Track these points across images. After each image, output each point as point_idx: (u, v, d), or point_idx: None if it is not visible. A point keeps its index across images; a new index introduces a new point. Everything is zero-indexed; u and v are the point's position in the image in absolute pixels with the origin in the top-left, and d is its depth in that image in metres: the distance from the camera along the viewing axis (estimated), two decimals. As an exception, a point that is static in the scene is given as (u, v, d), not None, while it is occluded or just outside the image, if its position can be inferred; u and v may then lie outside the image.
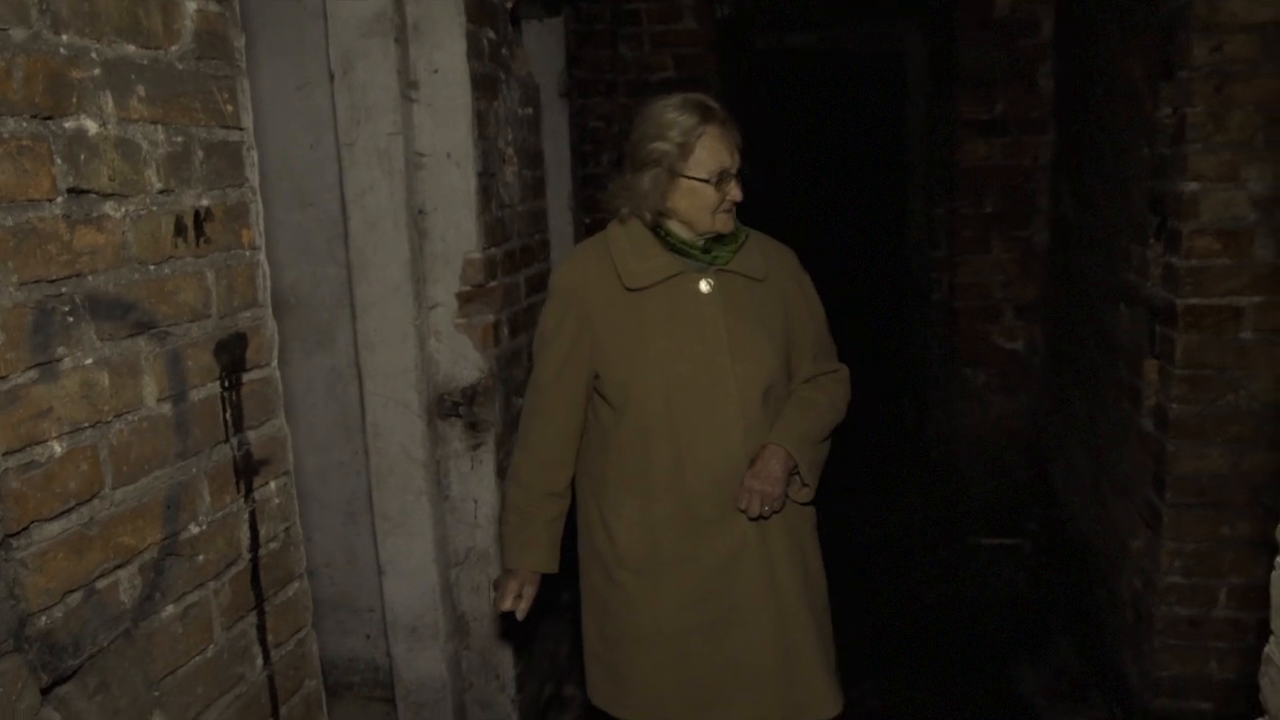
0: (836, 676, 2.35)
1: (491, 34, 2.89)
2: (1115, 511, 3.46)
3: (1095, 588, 3.71)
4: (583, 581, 2.39)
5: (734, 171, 2.15)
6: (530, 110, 3.20)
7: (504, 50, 2.99)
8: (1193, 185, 2.86)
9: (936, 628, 4.20)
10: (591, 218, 4.49)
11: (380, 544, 2.90)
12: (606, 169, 4.50)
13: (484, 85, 2.81)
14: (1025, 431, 4.82)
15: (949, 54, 4.72)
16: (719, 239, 2.22)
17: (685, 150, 2.12)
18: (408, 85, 2.69)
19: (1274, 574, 1.20)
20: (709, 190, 2.14)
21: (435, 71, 2.69)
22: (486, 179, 2.82)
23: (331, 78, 2.69)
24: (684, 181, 2.14)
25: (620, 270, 2.18)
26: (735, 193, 2.15)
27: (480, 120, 2.77)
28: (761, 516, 2.19)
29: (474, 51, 2.74)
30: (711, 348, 2.17)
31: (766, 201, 5.35)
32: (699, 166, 2.13)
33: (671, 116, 2.14)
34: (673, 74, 4.56)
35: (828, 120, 8.30)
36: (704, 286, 2.20)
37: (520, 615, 2.33)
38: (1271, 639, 1.22)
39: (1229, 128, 2.81)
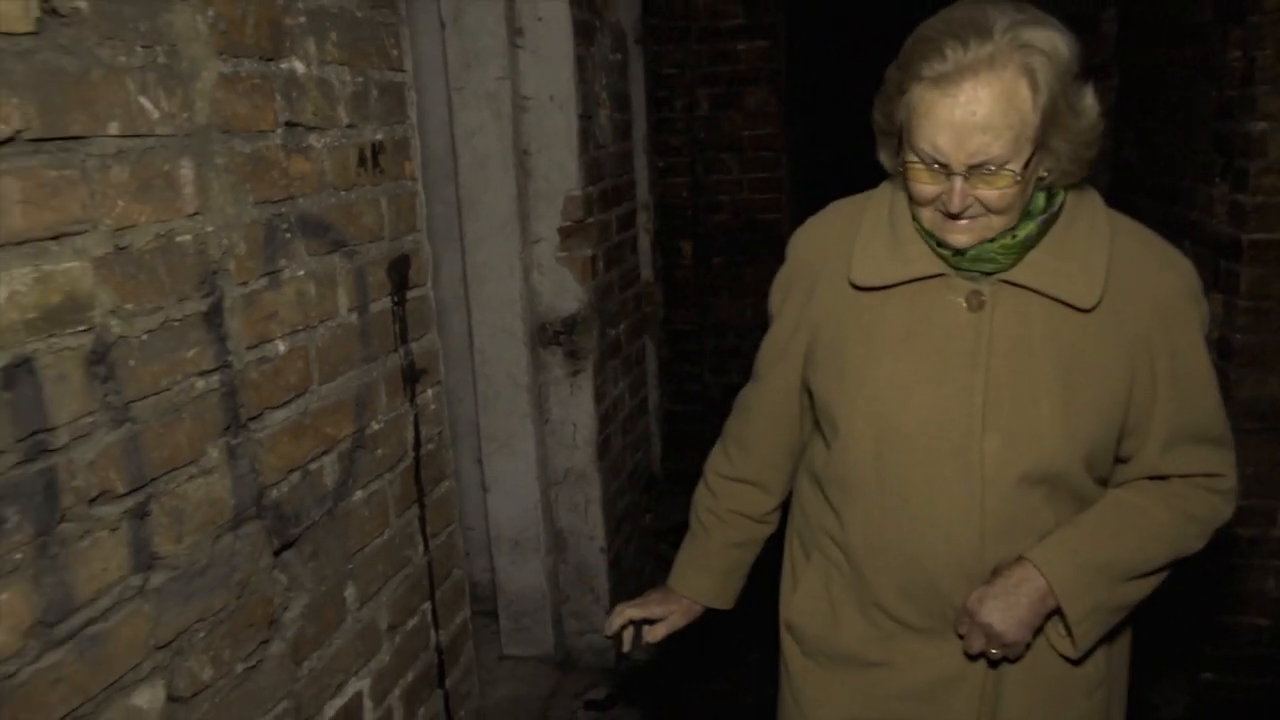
0: None
1: (588, -18, 3.05)
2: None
3: (1153, 515, 3.86)
4: None
5: (960, 168, 1.32)
6: (619, 56, 3.37)
7: (598, -2, 3.15)
8: (1261, 125, 2.97)
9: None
10: (665, 161, 4.66)
11: (486, 463, 3.12)
12: (680, 114, 4.66)
13: (583, 32, 2.98)
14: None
15: (1014, -2, 4.80)
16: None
17: (904, 98, 1.38)
18: (514, 32, 2.86)
19: None
20: (913, 177, 1.39)
21: (539, 19, 2.86)
22: (585, 121, 3.00)
23: (442, 25, 2.86)
24: (904, 146, 1.41)
25: (854, 256, 1.52)
26: (954, 200, 1.34)
27: (580, 65, 2.94)
28: (984, 656, 1.52)
29: (574, -1, 2.91)
30: (955, 399, 1.45)
31: (818, 153, 5.48)
32: (910, 133, 1.37)
33: (918, 33, 1.37)
34: (742, 20, 4.68)
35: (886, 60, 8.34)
36: (964, 303, 1.46)
37: (650, 639, 1.80)
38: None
39: (1297, 69, 2.92)
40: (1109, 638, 1.57)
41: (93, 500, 1.14)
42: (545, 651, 3.30)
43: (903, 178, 1.43)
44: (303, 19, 1.53)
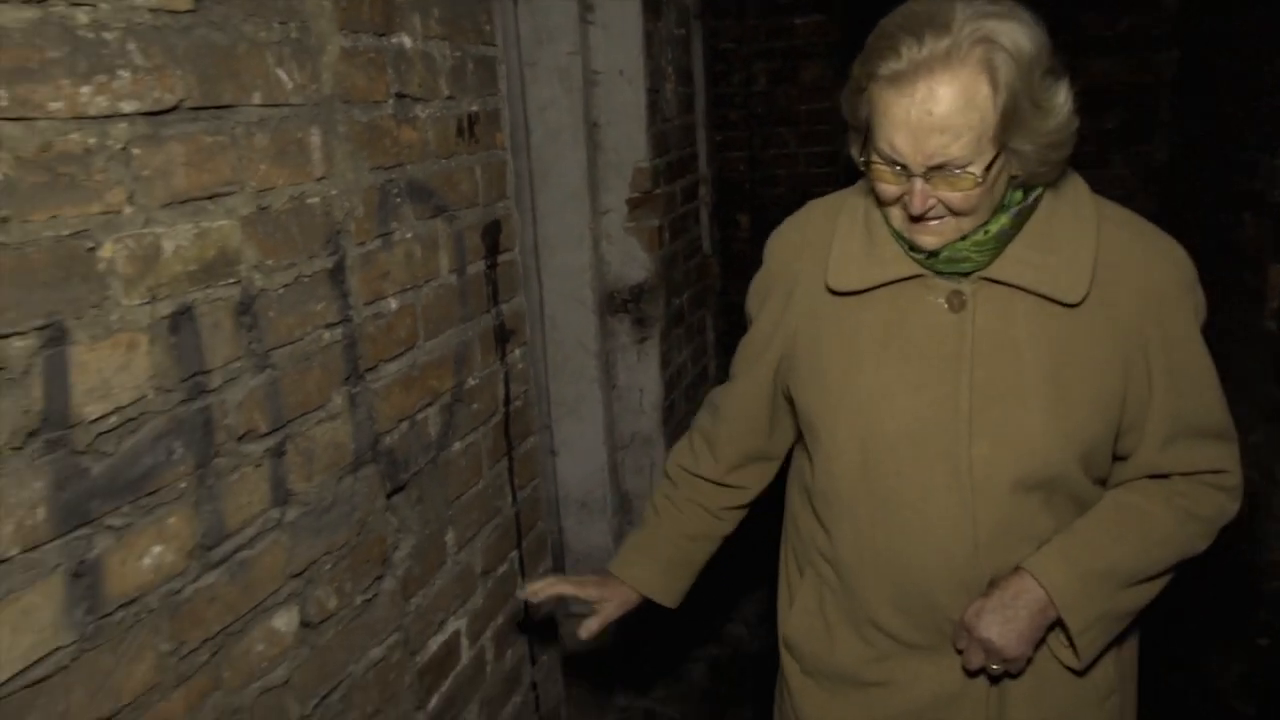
0: None
1: (655, -41, 3.12)
2: (1233, 409, 3.64)
3: (1210, 485, 3.90)
4: None
5: (919, 169, 1.27)
6: (683, 31, 3.44)
7: (664, -26, 3.22)
8: (1325, 94, 2.99)
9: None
10: (722, 135, 4.72)
11: (555, 427, 3.23)
12: (737, 88, 4.72)
13: (651, 7, 3.06)
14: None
15: (1072, -30, 4.80)
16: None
17: (865, 95, 1.32)
18: (585, 8, 2.94)
19: None
20: (876, 176, 1.34)
21: (609, -5, 2.94)
22: (653, 95, 3.08)
23: (515, 2, 2.95)
24: (867, 145, 1.35)
25: (830, 259, 1.47)
26: (914, 201, 1.30)
27: (649, 40, 3.02)
28: (984, 672, 1.47)
29: (643, -25, 2.99)
30: (940, 405, 1.40)
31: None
32: (871, 131, 1.32)
33: (879, 27, 1.30)
34: (800, -5, 4.72)
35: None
36: (945, 303, 1.41)
37: (582, 634, 1.71)
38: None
39: (1364, 37, 2.93)
40: (1118, 641, 1.51)
41: (240, 438, 1.25)
42: (611, 610, 3.41)
43: (867, 177, 1.37)
44: (410, -4, 1.63)
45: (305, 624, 1.39)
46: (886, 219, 1.40)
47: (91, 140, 1.02)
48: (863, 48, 1.32)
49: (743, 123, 4.75)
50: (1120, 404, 1.40)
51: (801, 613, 1.59)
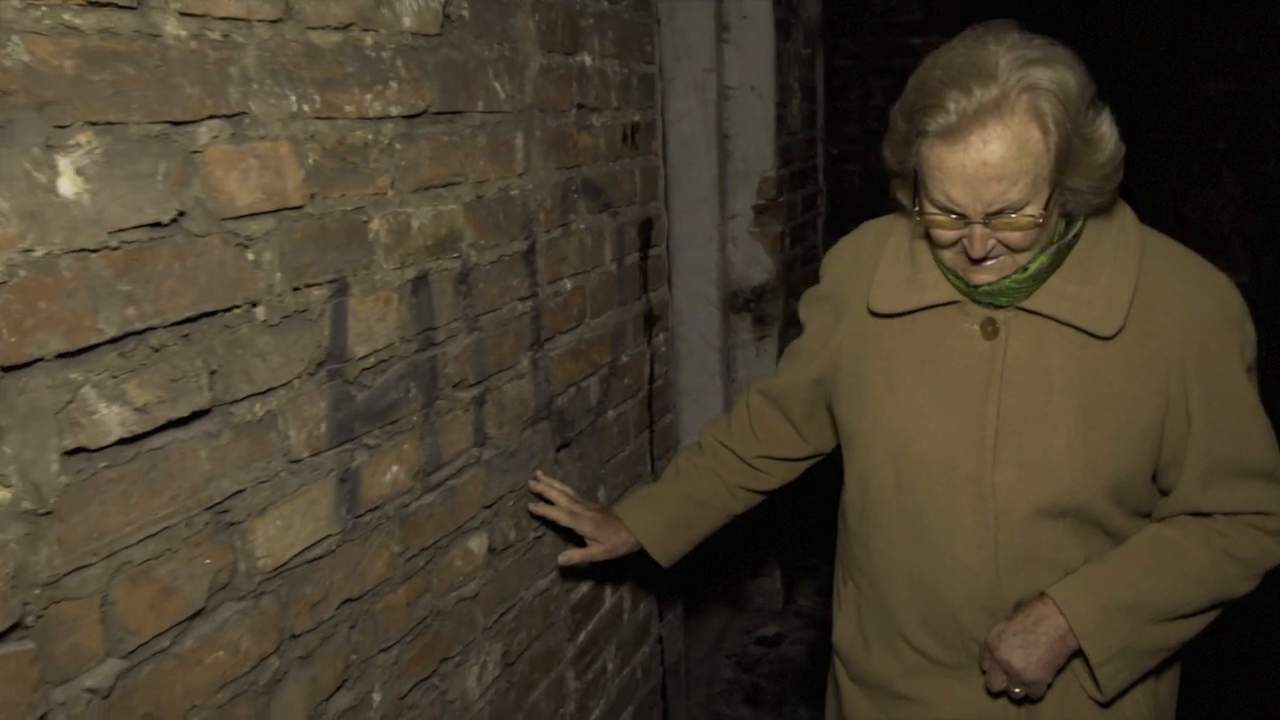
0: None
1: (787, -17, 3.36)
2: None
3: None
4: None
5: (977, 216, 1.29)
6: (809, 50, 3.66)
7: (795, -3, 3.45)
8: None
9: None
10: (838, 148, 4.92)
11: (676, 417, 3.47)
12: (854, 104, 4.91)
13: (782, 28, 3.29)
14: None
15: (1192, -6, 4.87)
16: None
17: (913, 149, 1.34)
18: (721, 28, 3.19)
19: None
20: (932, 224, 1.36)
21: (744, 17, 3.19)
22: (781, 109, 3.31)
23: (658, 22, 3.21)
24: (919, 195, 1.38)
25: (874, 282, 1.52)
26: (975, 246, 1.32)
27: (779, 58, 3.26)
28: (1006, 695, 1.48)
29: (776, -1, 3.22)
30: (968, 430, 1.43)
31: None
32: (924, 184, 1.34)
33: (920, 79, 1.33)
34: (918, 15, 4.90)
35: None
36: (979, 330, 1.44)
37: (561, 560, 1.82)
38: None
39: None
40: (1155, 675, 1.50)
41: (455, 385, 1.51)
42: (718, 591, 3.63)
43: (921, 224, 1.39)
44: (591, 20, 1.89)
45: (492, 550, 1.65)
46: (939, 260, 1.44)
47: (370, 137, 1.29)
48: (911, 89, 1.34)
49: (859, 137, 4.94)
50: (1156, 437, 1.40)
51: (844, 621, 1.66)
